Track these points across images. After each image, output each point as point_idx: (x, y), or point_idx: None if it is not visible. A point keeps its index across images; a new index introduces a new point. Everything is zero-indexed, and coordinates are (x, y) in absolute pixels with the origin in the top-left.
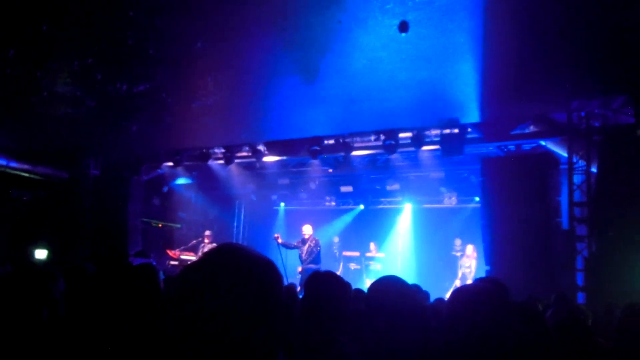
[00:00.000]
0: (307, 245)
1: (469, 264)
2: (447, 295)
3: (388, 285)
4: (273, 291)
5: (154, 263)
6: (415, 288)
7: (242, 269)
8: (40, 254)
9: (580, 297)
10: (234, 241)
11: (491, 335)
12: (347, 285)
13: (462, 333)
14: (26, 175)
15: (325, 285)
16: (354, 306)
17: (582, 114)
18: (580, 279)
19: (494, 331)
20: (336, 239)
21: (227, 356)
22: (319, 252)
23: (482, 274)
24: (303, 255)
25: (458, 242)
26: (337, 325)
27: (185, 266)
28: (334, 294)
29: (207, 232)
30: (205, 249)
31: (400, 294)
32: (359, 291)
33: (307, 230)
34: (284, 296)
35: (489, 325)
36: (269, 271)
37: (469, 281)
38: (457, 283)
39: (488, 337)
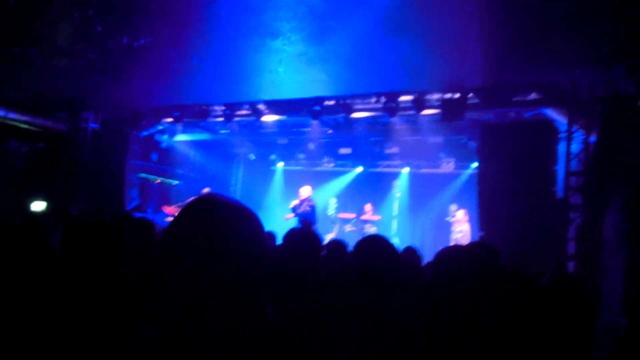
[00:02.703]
0: (301, 208)
1: (460, 229)
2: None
3: (372, 243)
4: (252, 238)
5: (151, 218)
6: (411, 250)
7: (220, 217)
8: (39, 205)
9: (571, 266)
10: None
11: (472, 296)
12: (317, 239)
13: (444, 293)
14: (25, 126)
15: (298, 240)
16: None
17: (584, 83)
18: (571, 248)
19: (476, 291)
20: (333, 201)
21: (213, 304)
22: (310, 213)
23: (475, 239)
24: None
25: (453, 207)
26: (312, 279)
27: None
28: (304, 248)
29: (206, 189)
30: None
31: (384, 253)
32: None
33: (303, 192)
34: (264, 243)
35: (470, 285)
36: (248, 218)
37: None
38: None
39: (469, 297)
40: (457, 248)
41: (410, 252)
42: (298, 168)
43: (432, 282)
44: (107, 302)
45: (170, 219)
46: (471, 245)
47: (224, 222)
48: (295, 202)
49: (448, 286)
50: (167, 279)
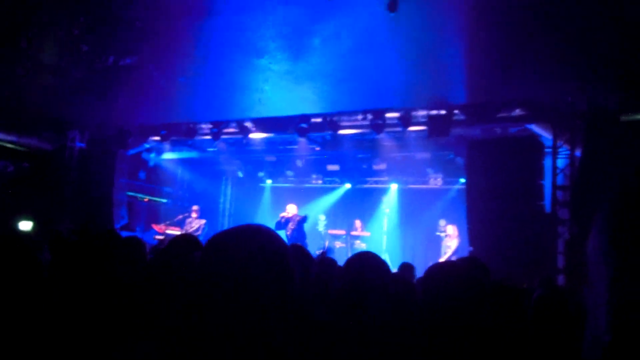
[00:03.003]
0: (290, 224)
1: (450, 244)
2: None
3: (363, 261)
4: (287, 261)
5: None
6: (407, 266)
7: (265, 243)
8: (25, 225)
9: (560, 280)
10: (221, 216)
11: (463, 311)
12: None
13: (435, 308)
14: (10, 146)
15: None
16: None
17: (568, 98)
18: (560, 262)
19: (466, 307)
20: (322, 217)
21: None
22: (297, 230)
23: (465, 254)
24: (288, 234)
25: (443, 222)
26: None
27: (214, 236)
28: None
29: (195, 207)
30: (193, 224)
31: (375, 270)
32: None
33: (290, 209)
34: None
35: (461, 301)
36: (284, 245)
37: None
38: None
39: (459, 313)
40: (447, 263)
41: (407, 269)
42: (287, 185)
43: (424, 298)
44: (97, 318)
45: (159, 237)
46: (461, 260)
47: (271, 246)
48: (284, 214)
49: (439, 302)
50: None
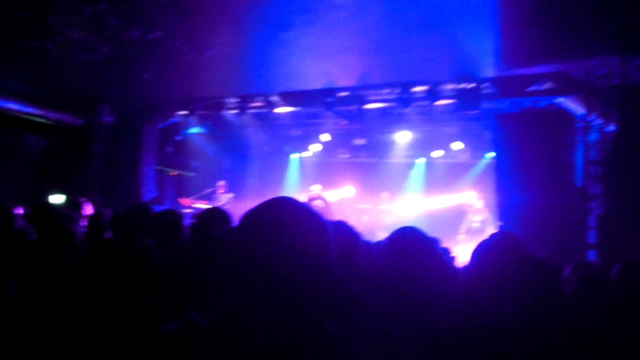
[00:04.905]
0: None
1: (480, 219)
2: (454, 250)
3: (408, 237)
4: (323, 240)
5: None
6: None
7: (298, 219)
8: (57, 198)
9: (591, 255)
10: (247, 190)
11: (515, 289)
12: (357, 235)
13: (486, 287)
14: (41, 120)
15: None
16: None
17: (600, 72)
18: (592, 237)
19: (519, 284)
20: (349, 192)
21: (268, 299)
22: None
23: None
24: None
25: (470, 196)
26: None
27: (252, 210)
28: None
29: (221, 182)
30: (221, 198)
31: (421, 246)
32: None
33: (314, 189)
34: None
35: (514, 279)
36: (321, 223)
37: (481, 236)
38: (462, 237)
39: (512, 291)
40: (493, 243)
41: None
42: (313, 159)
43: (472, 278)
44: (140, 291)
45: (187, 210)
46: (499, 236)
47: (299, 223)
48: (311, 195)
49: (491, 282)
50: (231, 268)
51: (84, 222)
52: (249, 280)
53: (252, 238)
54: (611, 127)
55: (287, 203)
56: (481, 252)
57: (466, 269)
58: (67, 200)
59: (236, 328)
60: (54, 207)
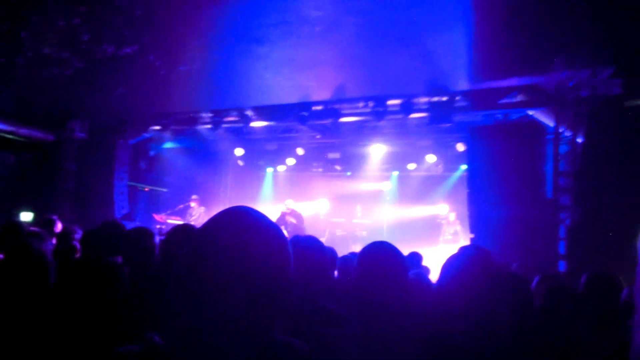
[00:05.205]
0: (287, 219)
1: (452, 231)
2: (425, 263)
3: (379, 251)
4: (281, 251)
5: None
6: (415, 255)
7: (253, 230)
8: (26, 216)
9: (562, 265)
10: (221, 205)
11: (484, 304)
12: (328, 250)
13: (453, 303)
14: (11, 137)
15: (306, 250)
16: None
17: (570, 84)
18: (562, 248)
19: (488, 299)
20: (323, 205)
21: (228, 314)
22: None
23: (466, 242)
24: (288, 229)
25: (443, 209)
26: (322, 291)
27: (203, 225)
28: (315, 258)
29: (194, 197)
30: (193, 213)
31: (391, 261)
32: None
33: (288, 203)
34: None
35: (483, 294)
36: (278, 233)
37: (452, 248)
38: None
39: (481, 306)
40: (462, 257)
41: (415, 257)
42: (287, 173)
43: (442, 292)
44: (105, 311)
45: (160, 226)
46: (470, 250)
47: (255, 234)
48: (284, 210)
49: (458, 296)
50: (187, 286)
51: (53, 241)
52: (202, 291)
53: (208, 246)
54: (581, 139)
55: (244, 212)
56: (449, 267)
57: (436, 284)
58: (37, 217)
59: (193, 347)
60: (23, 225)
